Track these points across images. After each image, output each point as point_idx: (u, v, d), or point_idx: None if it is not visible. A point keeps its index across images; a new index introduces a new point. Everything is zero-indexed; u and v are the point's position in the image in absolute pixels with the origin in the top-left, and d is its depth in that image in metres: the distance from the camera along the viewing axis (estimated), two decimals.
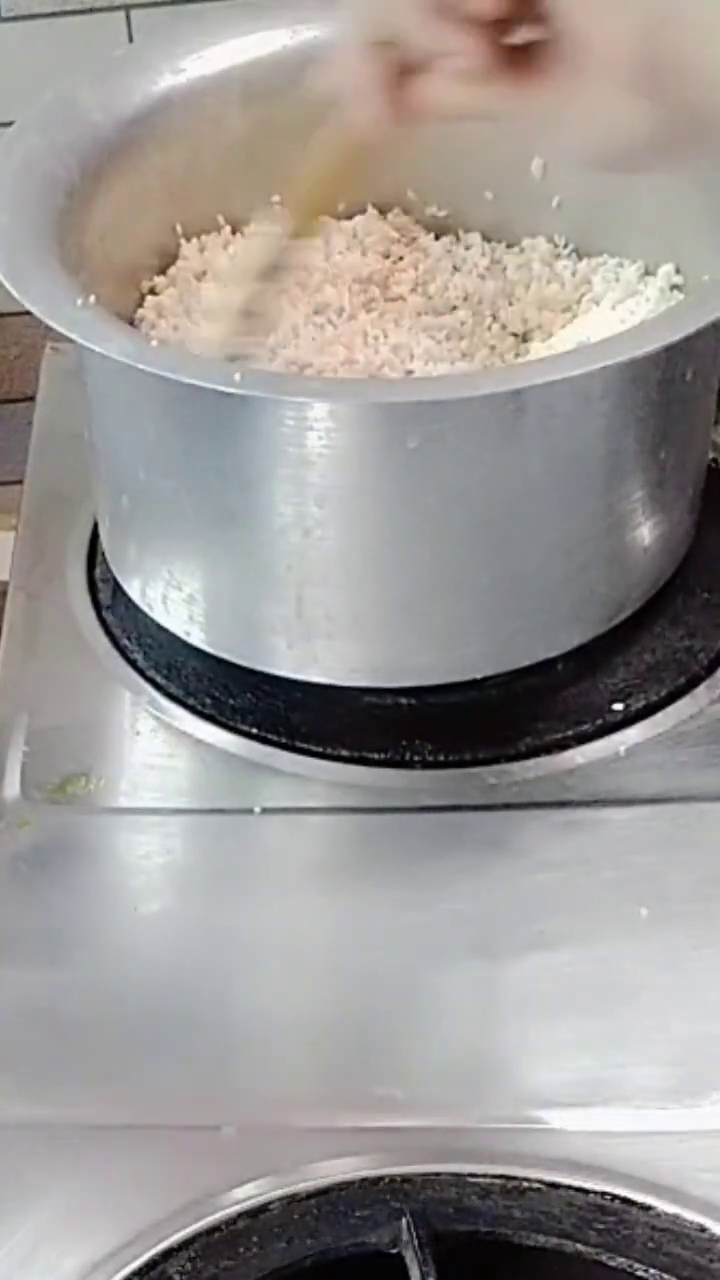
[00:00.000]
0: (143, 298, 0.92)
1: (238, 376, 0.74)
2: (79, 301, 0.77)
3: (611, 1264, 0.65)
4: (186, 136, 0.92)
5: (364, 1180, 0.67)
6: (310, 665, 0.84)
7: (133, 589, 0.89)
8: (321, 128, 0.70)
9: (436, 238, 0.97)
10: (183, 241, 0.94)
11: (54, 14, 1.16)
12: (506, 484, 0.79)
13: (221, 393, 0.74)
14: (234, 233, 0.95)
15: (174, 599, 0.86)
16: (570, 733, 0.85)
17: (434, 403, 0.76)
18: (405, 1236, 0.65)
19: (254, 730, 0.85)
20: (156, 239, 0.93)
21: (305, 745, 0.84)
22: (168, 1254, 0.65)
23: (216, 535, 0.83)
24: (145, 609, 0.88)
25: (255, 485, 0.79)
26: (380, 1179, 0.67)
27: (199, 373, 0.75)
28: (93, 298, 0.77)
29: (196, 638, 0.87)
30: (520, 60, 0.59)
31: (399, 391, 0.80)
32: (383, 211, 0.98)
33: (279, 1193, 0.67)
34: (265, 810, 0.82)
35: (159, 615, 0.88)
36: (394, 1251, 0.65)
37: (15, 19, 1.16)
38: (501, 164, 0.94)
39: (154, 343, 0.81)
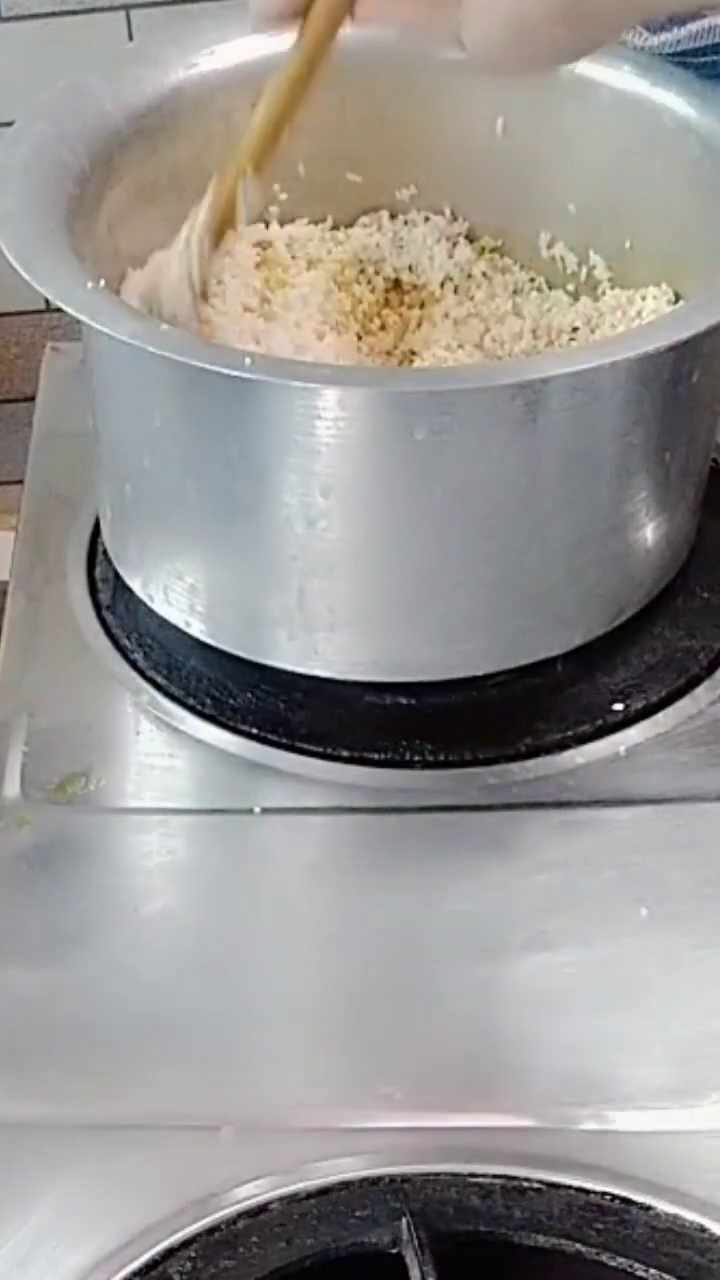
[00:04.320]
0: None
1: (248, 360, 0.74)
2: (89, 284, 0.77)
3: (611, 1264, 0.65)
4: (196, 131, 0.92)
5: (364, 1180, 0.67)
6: (311, 658, 0.84)
7: (133, 580, 0.89)
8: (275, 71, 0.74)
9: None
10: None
11: (54, 14, 1.17)
12: (512, 479, 0.79)
13: (229, 378, 0.73)
14: None
15: (175, 589, 0.86)
16: (570, 733, 0.85)
17: (443, 393, 0.76)
18: (405, 1236, 0.65)
19: (254, 730, 0.85)
20: (163, 232, 0.93)
21: (305, 745, 0.84)
22: (168, 1254, 0.65)
23: (220, 524, 0.83)
24: (146, 600, 0.88)
25: (260, 474, 0.79)
26: (380, 1179, 0.67)
27: (209, 356, 0.75)
28: (102, 283, 0.77)
29: (197, 629, 0.86)
30: None
31: (408, 380, 0.80)
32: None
33: (279, 1193, 0.67)
34: (265, 810, 0.82)
35: (159, 606, 0.88)
36: (394, 1251, 0.65)
37: (15, 19, 1.17)
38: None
39: (164, 326, 0.81)
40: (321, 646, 0.83)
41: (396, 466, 0.78)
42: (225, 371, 0.73)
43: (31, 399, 1.08)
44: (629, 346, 0.76)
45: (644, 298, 0.91)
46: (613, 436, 0.80)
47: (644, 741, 0.84)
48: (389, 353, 0.93)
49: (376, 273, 0.96)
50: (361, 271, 0.96)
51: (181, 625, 0.87)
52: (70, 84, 0.89)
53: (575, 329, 0.93)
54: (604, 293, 0.94)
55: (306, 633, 0.83)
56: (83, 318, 0.75)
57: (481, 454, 0.78)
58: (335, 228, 0.98)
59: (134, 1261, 0.65)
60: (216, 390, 0.76)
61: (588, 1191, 0.67)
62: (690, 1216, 0.66)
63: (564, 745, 0.84)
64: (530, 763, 0.83)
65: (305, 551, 0.80)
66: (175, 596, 0.86)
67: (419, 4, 0.64)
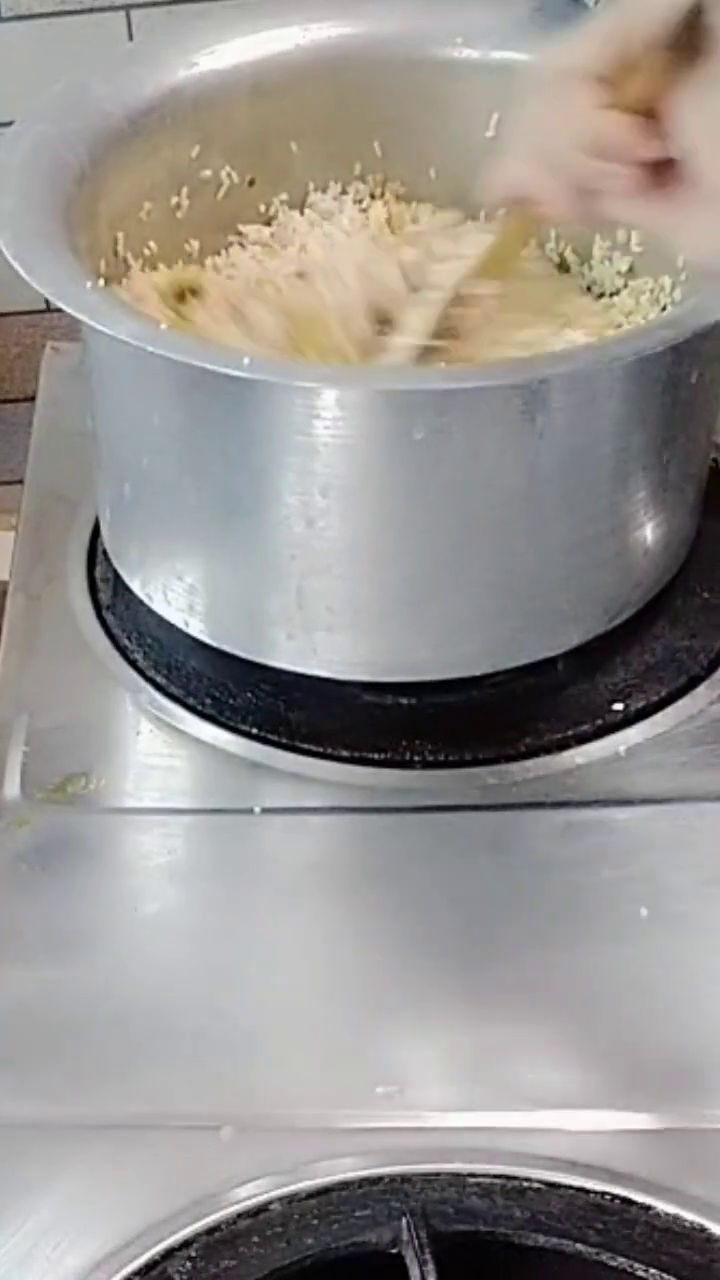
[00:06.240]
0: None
1: (246, 360, 0.74)
2: (88, 284, 0.77)
3: (611, 1264, 0.65)
4: (195, 130, 0.92)
5: (364, 1180, 0.67)
6: (309, 658, 0.84)
7: (133, 580, 0.89)
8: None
9: None
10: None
11: (54, 14, 1.17)
12: (511, 479, 0.79)
13: (228, 378, 0.74)
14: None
15: (174, 589, 0.86)
16: (570, 733, 0.85)
17: (441, 392, 0.76)
18: (405, 1236, 0.65)
19: (254, 730, 0.85)
20: (163, 231, 0.93)
21: (305, 745, 0.84)
22: (168, 1254, 0.65)
23: (219, 524, 0.83)
24: (145, 599, 0.88)
25: (259, 473, 0.79)
26: (380, 1179, 0.67)
27: (208, 356, 0.75)
28: (101, 282, 0.77)
29: (196, 628, 0.86)
30: (664, 176, 0.67)
31: (406, 380, 0.80)
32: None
33: (279, 1193, 0.67)
34: (265, 810, 0.82)
35: (159, 606, 0.88)
36: (394, 1251, 0.65)
37: (15, 19, 1.17)
38: None
39: (162, 326, 0.81)
40: (320, 646, 0.83)
41: (395, 466, 0.78)
42: (224, 371, 0.73)
43: (31, 399, 1.08)
44: (628, 347, 0.76)
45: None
46: (611, 437, 0.80)
47: (644, 741, 0.84)
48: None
49: None
50: None
51: (181, 625, 0.87)
52: (70, 84, 0.89)
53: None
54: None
55: (305, 632, 0.83)
56: (82, 317, 0.75)
57: (480, 454, 0.78)
58: None
59: (134, 1261, 0.65)
60: (215, 390, 0.76)
61: (588, 1191, 0.67)
62: (690, 1216, 0.66)
63: (564, 745, 0.84)
64: (530, 763, 0.83)
65: (304, 551, 0.80)
66: (174, 596, 0.86)
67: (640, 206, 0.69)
